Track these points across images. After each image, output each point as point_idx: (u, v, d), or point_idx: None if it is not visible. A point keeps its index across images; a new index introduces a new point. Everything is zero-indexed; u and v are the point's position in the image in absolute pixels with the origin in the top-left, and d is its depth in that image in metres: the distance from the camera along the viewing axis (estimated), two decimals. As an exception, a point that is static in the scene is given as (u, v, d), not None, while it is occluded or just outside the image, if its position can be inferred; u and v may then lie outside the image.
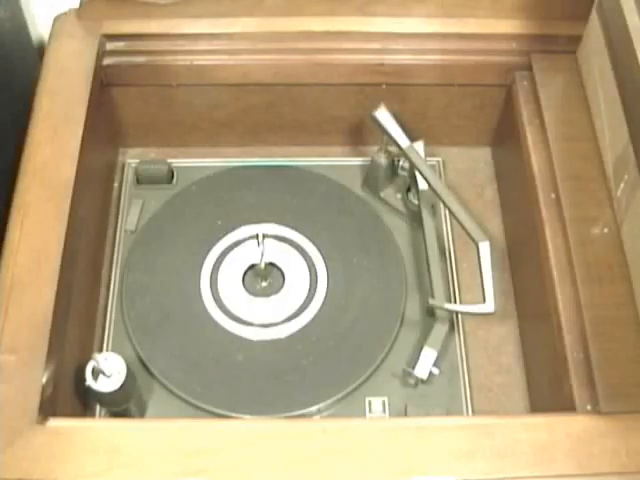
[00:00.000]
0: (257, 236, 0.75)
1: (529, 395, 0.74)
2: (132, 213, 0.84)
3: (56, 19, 0.81)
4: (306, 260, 0.80)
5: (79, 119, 0.73)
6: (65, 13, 0.81)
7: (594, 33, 0.74)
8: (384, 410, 0.72)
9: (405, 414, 0.71)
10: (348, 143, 0.91)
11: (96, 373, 0.64)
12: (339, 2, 0.80)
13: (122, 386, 0.64)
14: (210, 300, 0.77)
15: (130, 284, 0.79)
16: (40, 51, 0.84)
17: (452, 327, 0.77)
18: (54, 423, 0.58)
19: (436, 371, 0.72)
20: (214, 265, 0.79)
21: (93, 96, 0.76)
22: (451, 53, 0.81)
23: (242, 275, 0.79)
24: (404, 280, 0.79)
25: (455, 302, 0.79)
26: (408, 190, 0.84)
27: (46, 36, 0.81)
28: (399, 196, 0.86)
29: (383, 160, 0.84)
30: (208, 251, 0.80)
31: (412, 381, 0.73)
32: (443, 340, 0.74)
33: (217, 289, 0.78)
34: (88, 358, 0.65)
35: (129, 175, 0.88)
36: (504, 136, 0.86)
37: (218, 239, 0.81)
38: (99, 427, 0.58)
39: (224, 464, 0.56)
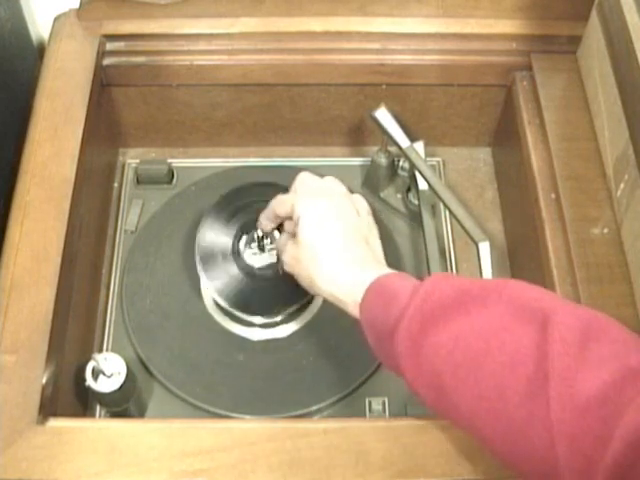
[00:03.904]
0: (257, 236, 0.75)
1: (529, 395, 0.74)
2: (132, 213, 0.84)
3: (56, 19, 0.81)
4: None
5: (79, 119, 0.73)
6: (65, 13, 0.81)
7: (594, 33, 0.74)
8: (384, 410, 0.72)
9: (405, 414, 0.71)
10: (348, 143, 0.91)
11: (96, 373, 0.65)
12: (339, 2, 0.80)
13: (122, 386, 0.65)
14: (210, 300, 0.77)
15: (130, 284, 0.79)
16: (40, 51, 0.84)
17: (452, 327, 0.77)
18: (54, 423, 0.58)
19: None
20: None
21: (93, 96, 0.76)
22: (451, 53, 0.81)
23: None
24: (404, 280, 0.79)
25: (455, 302, 0.79)
26: (408, 190, 0.84)
27: (46, 36, 0.81)
28: (399, 196, 0.86)
29: (383, 160, 0.84)
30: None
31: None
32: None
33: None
34: (88, 358, 0.65)
35: (129, 175, 0.88)
36: (504, 136, 0.86)
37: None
38: (99, 427, 0.58)
39: (224, 464, 0.56)
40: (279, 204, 0.68)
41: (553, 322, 0.47)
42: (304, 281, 0.64)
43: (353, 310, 0.59)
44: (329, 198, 0.64)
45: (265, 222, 0.71)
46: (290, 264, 0.65)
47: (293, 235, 0.65)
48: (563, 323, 0.46)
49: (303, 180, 0.67)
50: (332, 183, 0.67)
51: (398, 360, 0.53)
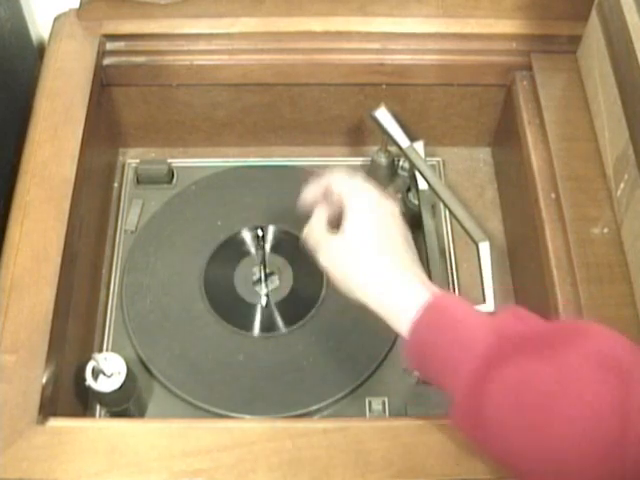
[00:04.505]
0: (257, 236, 0.75)
1: (529, 395, 0.74)
2: (132, 213, 0.84)
3: (56, 19, 0.81)
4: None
5: (79, 119, 0.73)
6: (65, 13, 0.81)
7: (594, 33, 0.74)
8: (384, 410, 0.72)
9: (405, 414, 0.71)
10: (348, 143, 0.91)
11: (96, 373, 0.65)
12: (339, 2, 0.80)
13: (122, 386, 0.65)
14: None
15: (130, 284, 0.79)
16: (40, 51, 0.84)
17: (452, 327, 0.77)
18: (54, 423, 0.58)
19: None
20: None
21: (93, 96, 0.76)
22: (451, 53, 0.81)
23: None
24: (404, 280, 0.79)
25: (455, 302, 0.79)
26: (408, 190, 0.84)
27: (46, 36, 0.81)
28: (399, 196, 0.86)
29: (383, 160, 0.84)
30: (208, 251, 0.80)
31: (413, 380, 0.72)
32: (443, 340, 0.74)
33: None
34: (88, 358, 0.65)
35: (129, 175, 0.88)
36: (504, 136, 0.86)
37: (218, 239, 0.81)
38: (99, 427, 0.58)
39: (224, 464, 0.56)
40: (338, 181, 0.61)
41: (634, 379, 0.45)
42: (341, 283, 0.59)
43: (399, 324, 0.55)
44: (385, 217, 0.60)
45: (311, 193, 0.64)
46: (326, 259, 0.59)
47: (332, 224, 0.61)
48: None
49: (355, 190, 0.61)
50: (386, 201, 0.61)
51: (454, 395, 0.51)
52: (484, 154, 0.92)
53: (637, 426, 0.44)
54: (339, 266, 0.59)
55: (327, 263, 0.60)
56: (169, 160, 0.87)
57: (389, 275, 0.56)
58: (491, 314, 0.53)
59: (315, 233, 0.61)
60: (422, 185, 0.81)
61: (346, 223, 0.58)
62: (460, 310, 0.54)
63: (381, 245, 0.58)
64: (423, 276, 0.57)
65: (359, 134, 0.90)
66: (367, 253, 0.57)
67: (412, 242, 0.61)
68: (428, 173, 0.77)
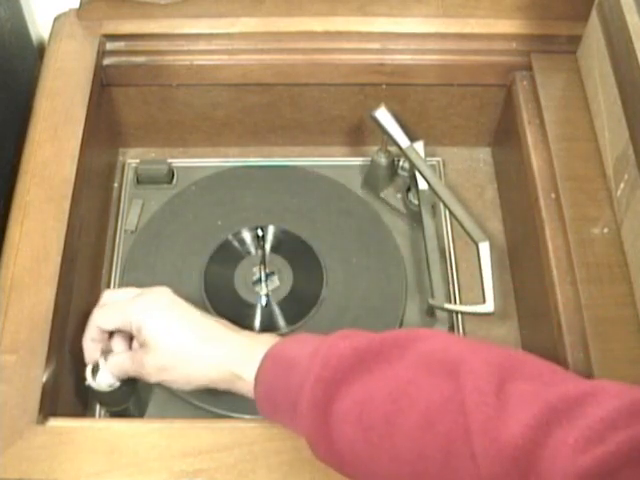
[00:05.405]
0: (257, 236, 0.75)
1: (529, 395, 0.74)
2: (132, 213, 0.84)
3: (56, 19, 0.81)
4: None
5: (79, 119, 0.73)
6: (65, 13, 0.81)
7: (594, 33, 0.74)
8: (384, 410, 0.72)
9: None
10: (348, 143, 0.91)
11: (96, 372, 0.65)
12: (339, 2, 0.81)
13: (122, 386, 0.65)
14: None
15: (130, 284, 0.78)
16: (40, 51, 0.84)
17: (452, 327, 0.77)
18: (54, 423, 0.58)
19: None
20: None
21: (93, 96, 0.76)
22: (451, 53, 0.81)
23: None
24: (404, 280, 0.79)
25: (455, 302, 0.79)
26: (408, 190, 0.84)
27: (46, 36, 0.81)
28: (399, 196, 0.86)
29: (383, 160, 0.84)
30: (208, 251, 0.80)
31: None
32: (443, 340, 0.74)
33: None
34: (88, 358, 0.65)
35: (129, 175, 0.88)
36: (504, 136, 0.86)
37: (218, 239, 0.81)
38: (99, 427, 0.58)
39: (224, 464, 0.56)
40: (103, 318, 0.63)
41: (464, 372, 0.45)
42: (179, 382, 0.60)
43: (242, 386, 0.57)
44: (147, 294, 0.61)
45: (92, 346, 0.63)
46: (154, 374, 0.60)
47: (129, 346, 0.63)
48: (474, 371, 0.45)
49: (111, 296, 0.64)
50: (133, 290, 0.64)
51: (304, 433, 0.52)
52: (484, 154, 0.92)
53: (476, 417, 0.43)
54: (165, 375, 0.59)
55: (154, 379, 0.60)
56: (169, 160, 0.87)
57: (222, 349, 0.58)
58: (360, 335, 0.53)
59: (129, 361, 0.62)
60: (422, 185, 0.81)
61: (145, 331, 0.59)
62: (293, 349, 0.54)
63: (192, 325, 0.59)
64: (246, 332, 0.59)
65: (359, 134, 0.90)
66: (187, 340, 0.58)
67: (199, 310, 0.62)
68: (428, 173, 0.77)
